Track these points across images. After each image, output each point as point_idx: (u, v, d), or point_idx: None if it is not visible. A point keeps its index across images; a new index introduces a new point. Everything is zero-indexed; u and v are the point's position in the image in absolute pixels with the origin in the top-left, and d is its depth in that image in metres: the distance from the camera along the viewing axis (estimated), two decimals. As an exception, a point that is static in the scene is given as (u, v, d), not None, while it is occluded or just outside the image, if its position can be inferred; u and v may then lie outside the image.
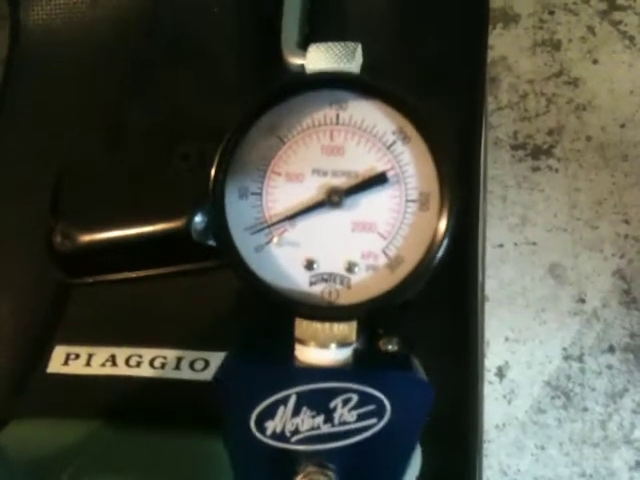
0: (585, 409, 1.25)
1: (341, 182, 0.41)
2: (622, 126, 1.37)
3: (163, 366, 0.59)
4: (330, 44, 0.50)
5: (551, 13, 1.46)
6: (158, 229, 0.61)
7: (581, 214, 1.34)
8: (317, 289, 0.42)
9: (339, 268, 0.42)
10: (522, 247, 1.35)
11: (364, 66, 0.44)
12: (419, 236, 0.41)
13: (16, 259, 0.69)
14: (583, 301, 1.30)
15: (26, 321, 0.66)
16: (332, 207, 0.41)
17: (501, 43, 1.45)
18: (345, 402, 0.41)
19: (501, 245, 1.36)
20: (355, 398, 0.41)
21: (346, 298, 0.41)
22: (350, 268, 0.41)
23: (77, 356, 0.61)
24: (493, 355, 1.29)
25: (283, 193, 0.42)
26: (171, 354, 0.60)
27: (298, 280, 0.42)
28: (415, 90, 0.67)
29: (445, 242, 0.40)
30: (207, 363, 0.59)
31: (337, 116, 0.42)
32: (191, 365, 0.59)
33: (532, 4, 1.46)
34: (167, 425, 0.56)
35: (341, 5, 0.73)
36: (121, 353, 0.61)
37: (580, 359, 1.27)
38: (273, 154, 0.42)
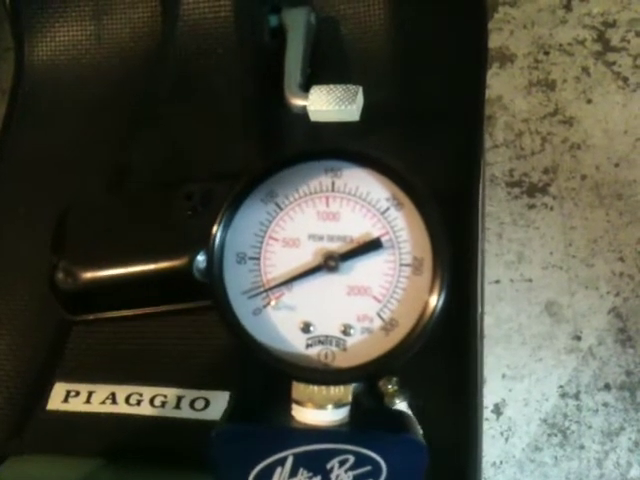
0: (582, 447, 1.25)
1: (337, 247, 0.42)
2: (616, 165, 1.38)
3: (163, 405, 0.59)
4: (332, 86, 0.51)
5: (546, 53, 1.47)
6: (160, 267, 0.62)
7: (576, 252, 1.35)
8: (313, 351, 0.42)
9: (335, 331, 0.42)
10: (518, 284, 1.36)
11: (365, 107, 0.45)
12: (413, 300, 0.42)
13: (17, 296, 0.69)
14: (579, 339, 1.30)
15: (26, 358, 0.66)
16: (328, 271, 0.42)
17: (497, 82, 1.47)
18: (342, 463, 0.41)
19: (497, 281, 1.36)
20: (352, 459, 0.41)
21: (342, 361, 0.42)
22: (346, 331, 0.42)
23: (77, 393, 0.61)
24: (490, 392, 1.29)
25: (280, 258, 0.42)
26: (171, 393, 0.60)
27: (295, 343, 0.42)
28: (415, 130, 0.68)
29: (439, 307, 0.41)
30: (207, 402, 0.59)
31: (333, 184, 0.42)
32: (191, 404, 0.59)
33: (528, 44, 1.48)
34: (166, 465, 0.56)
35: (342, 48, 0.74)
36: (121, 391, 0.61)
37: (576, 397, 1.27)
38: (271, 220, 0.43)
